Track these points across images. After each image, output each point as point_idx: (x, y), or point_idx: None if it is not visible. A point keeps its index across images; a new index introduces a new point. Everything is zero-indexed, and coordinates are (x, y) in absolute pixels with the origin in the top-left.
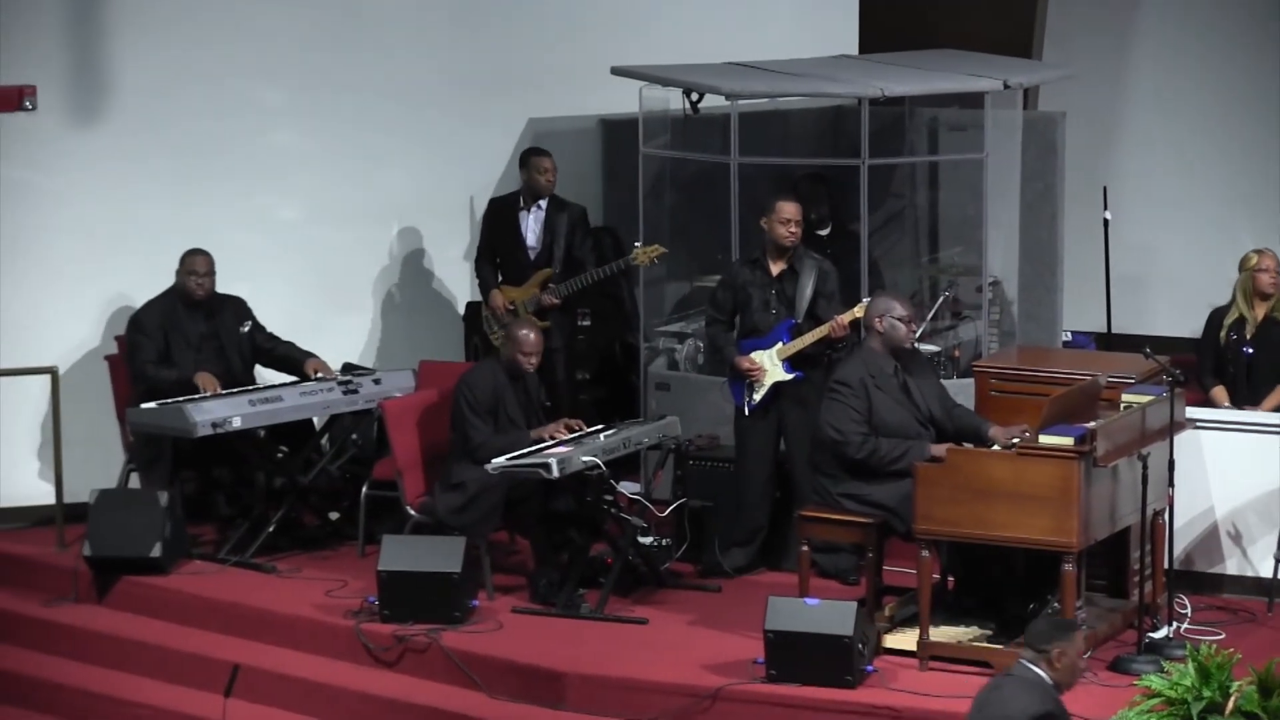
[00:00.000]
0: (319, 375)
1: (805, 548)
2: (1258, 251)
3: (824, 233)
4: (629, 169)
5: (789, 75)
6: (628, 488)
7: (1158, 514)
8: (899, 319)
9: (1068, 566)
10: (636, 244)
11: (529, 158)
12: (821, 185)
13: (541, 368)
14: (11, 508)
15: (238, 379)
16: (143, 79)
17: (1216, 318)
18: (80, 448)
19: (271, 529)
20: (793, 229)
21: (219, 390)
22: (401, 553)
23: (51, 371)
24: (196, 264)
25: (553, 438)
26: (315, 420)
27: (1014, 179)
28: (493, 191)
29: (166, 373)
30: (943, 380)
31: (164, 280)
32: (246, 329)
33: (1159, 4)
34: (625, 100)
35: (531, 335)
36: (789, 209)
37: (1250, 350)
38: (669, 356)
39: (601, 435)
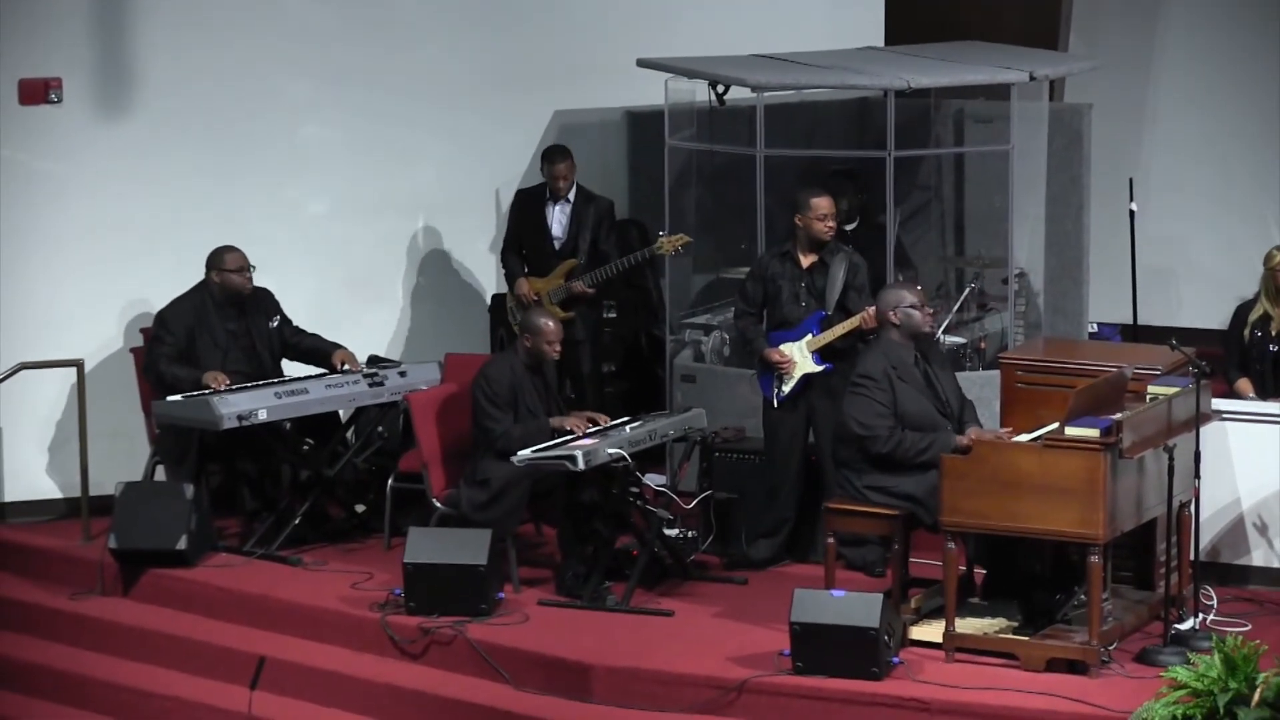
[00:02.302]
0: (345, 367)
1: (831, 540)
2: (1279, 248)
3: (850, 227)
4: (655, 162)
5: (815, 67)
6: (653, 480)
7: (1184, 506)
8: (912, 307)
9: (1094, 558)
10: (661, 233)
11: (543, 159)
12: (849, 181)
13: (566, 360)
14: (37, 500)
15: (267, 375)
16: (170, 72)
17: (1242, 312)
18: (106, 440)
19: (297, 522)
20: (830, 223)
21: (228, 385)
22: (427, 545)
23: (77, 364)
24: (238, 260)
25: (574, 429)
26: (341, 413)
27: (1040, 171)
28: (519, 184)
29: (179, 370)
30: (969, 372)
31: (190, 273)
32: (275, 324)
33: None
34: (651, 93)
35: (552, 323)
36: (824, 204)
37: (1276, 348)
38: (695, 348)
39: (627, 427)
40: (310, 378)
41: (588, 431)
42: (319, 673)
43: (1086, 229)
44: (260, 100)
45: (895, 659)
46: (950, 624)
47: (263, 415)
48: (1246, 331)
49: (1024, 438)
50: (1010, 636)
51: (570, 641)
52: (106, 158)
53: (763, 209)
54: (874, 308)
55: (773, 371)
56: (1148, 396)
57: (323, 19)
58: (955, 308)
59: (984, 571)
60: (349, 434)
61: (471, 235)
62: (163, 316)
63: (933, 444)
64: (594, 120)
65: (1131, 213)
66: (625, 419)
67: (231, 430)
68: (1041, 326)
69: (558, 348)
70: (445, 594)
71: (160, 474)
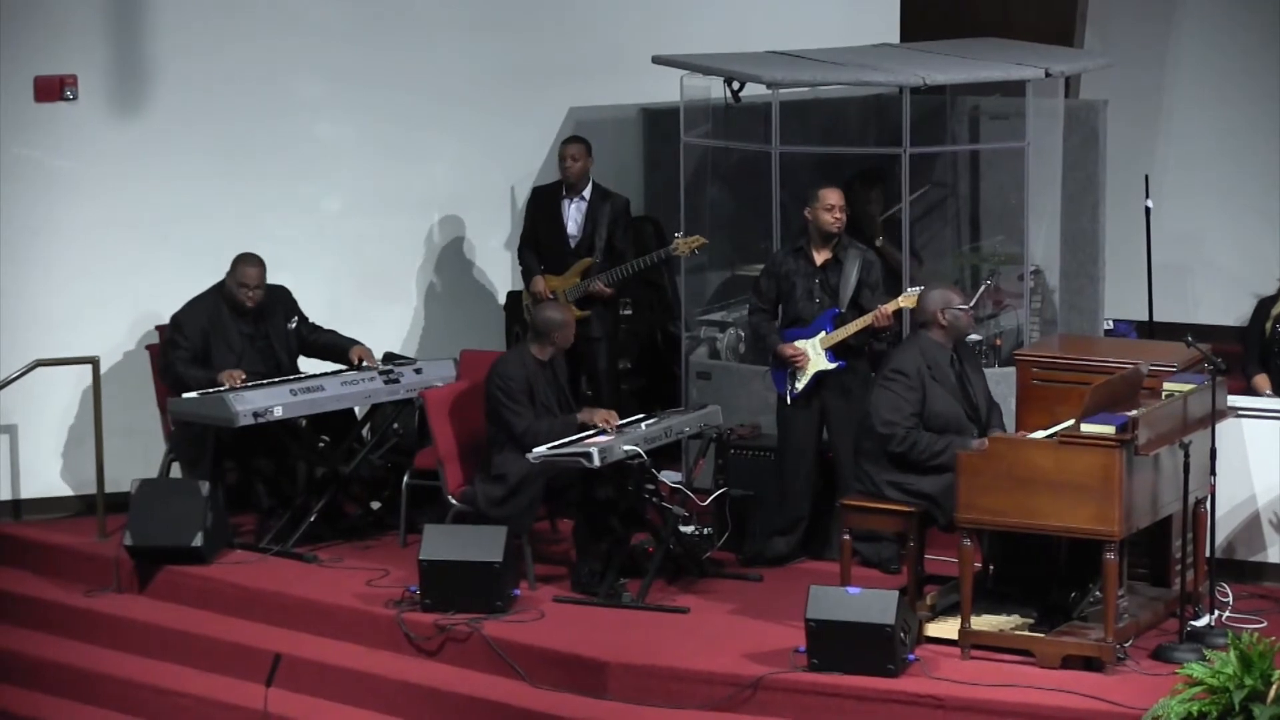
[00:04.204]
0: (363, 363)
1: (847, 536)
2: None
3: (879, 243)
4: (670, 158)
5: (830, 64)
6: (669, 477)
7: (1199, 502)
8: (961, 309)
9: (1109, 555)
10: (677, 234)
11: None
12: (879, 184)
13: (583, 357)
14: (53, 498)
15: (285, 375)
16: (184, 71)
17: (1264, 308)
18: (121, 438)
19: (313, 519)
20: (837, 214)
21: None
22: (443, 542)
23: (93, 361)
24: (249, 276)
25: (603, 424)
26: (356, 410)
27: (1056, 168)
28: (534, 181)
29: (196, 371)
30: (985, 369)
31: (204, 272)
32: (293, 325)
33: None
34: (667, 89)
35: (564, 314)
36: (832, 195)
37: None
38: (710, 345)
39: (643, 424)
40: (326, 375)
41: (616, 426)
42: (334, 670)
43: (1102, 226)
44: (274, 99)
45: (911, 656)
46: (966, 621)
47: (278, 412)
48: (1268, 326)
49: (1040, 434)
50: (1026, 633)
51: (585, 638)
52: (121, 155)
53: (778, 206)
54: (887, 307)
55: (786, 368)
56: (1163, 393)
57: (336, 17)
58: (971, 304)
59: (997, 568)
60: (364, 431)
61: (486, 232)
62: (178, 320)
63: (948, 448)
64: (609, 117)
65: (1147, 209)
66: (641, 416)
67: (247, 427)
68: (1057, 323)
69: (573, 332)
70: (461, 591)
71: (176, 471)
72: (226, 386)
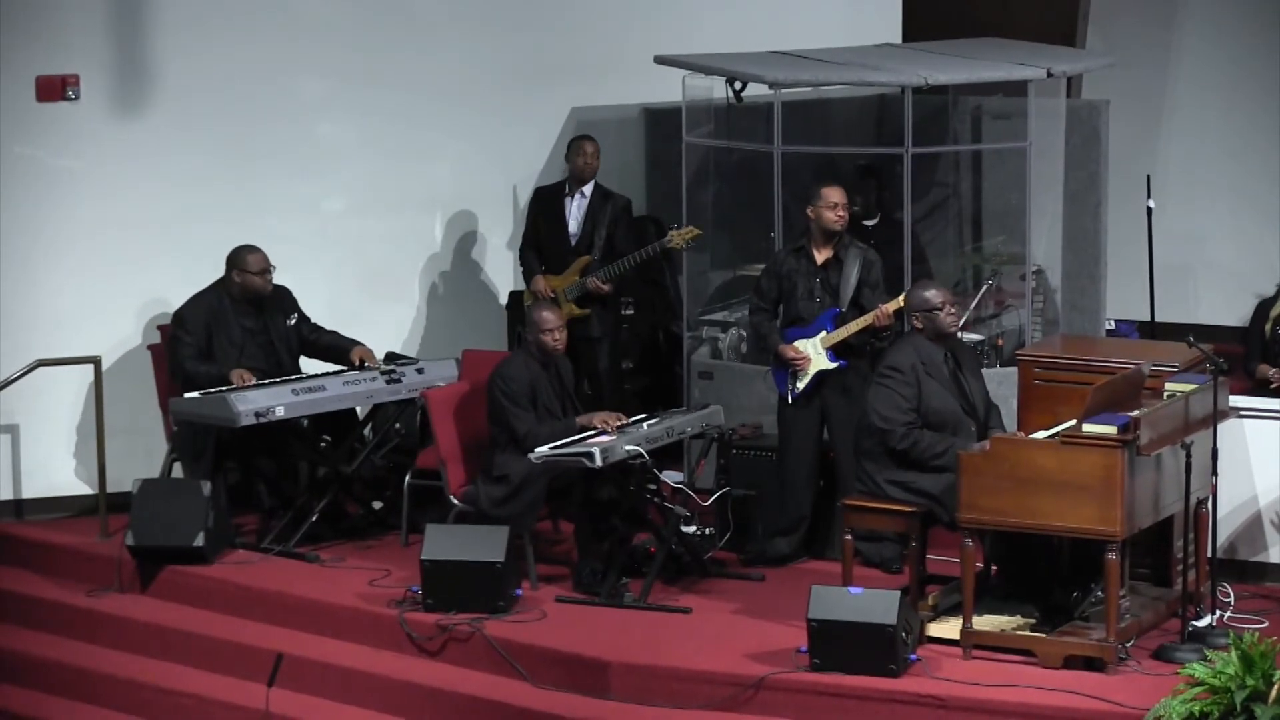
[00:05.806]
0: (364, 364)
1: (849, 536)
2: None
3: (870, 223)
4: (673, 158)
5: (832, 64)
6: (671, 477)
7: (1201, 502)
8: (934, 310)
9: (1111, 555)
10: (673, 227)
11: (571, 143)
12: (871, 178)
13: (584, 357)
14: (55, 497)
15: (285, 373)
16: (187, 70)
17: (1263, 310)
18: (123, 437)
19: (315, 518)
20: (840, 213)
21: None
22: (445, 542)
23: (95, 361)
24: (255, 261)
25: (601, 426)
26: (358, 410)
27: (1058, 168)
28: (536, 181)
29: (205, 367)
30: (987, 369)
31: (206, 271)
32: (293, 322)
33: None
34: (669, 89)
35: (547, 313)
36: (834, 194)
37: None
38: (712, 345)
39: (644, 424)
40: (328, 374)
41: (617, 426)
42: (336, 670)
43: (1104, 226)
44: (277, 98)
45: (913, 656)
46: (968, 621)
47: (280, 412)
48: (1268, 327)
49: (1042, 434)
50: (1028, 634)
51: (588, 638)
52: (123, 155)
53: (780, 206)
54: (887, 306)
55: (787, 368)
56: (1165, 393)
57: (339, 17)
58: (973, 305)
59: (999, 568)
60: (366, 431)
61: (488, 232)
62: (180, 315)
63: (949, 448)
64: (612, 117)
65: (1149, 209)
66: (643, 416)
67: (249, 427)
68: (1059, 323)
69: (556, 337)
70: (463, 591)
71: (178, 471)
72: (234, 386)
